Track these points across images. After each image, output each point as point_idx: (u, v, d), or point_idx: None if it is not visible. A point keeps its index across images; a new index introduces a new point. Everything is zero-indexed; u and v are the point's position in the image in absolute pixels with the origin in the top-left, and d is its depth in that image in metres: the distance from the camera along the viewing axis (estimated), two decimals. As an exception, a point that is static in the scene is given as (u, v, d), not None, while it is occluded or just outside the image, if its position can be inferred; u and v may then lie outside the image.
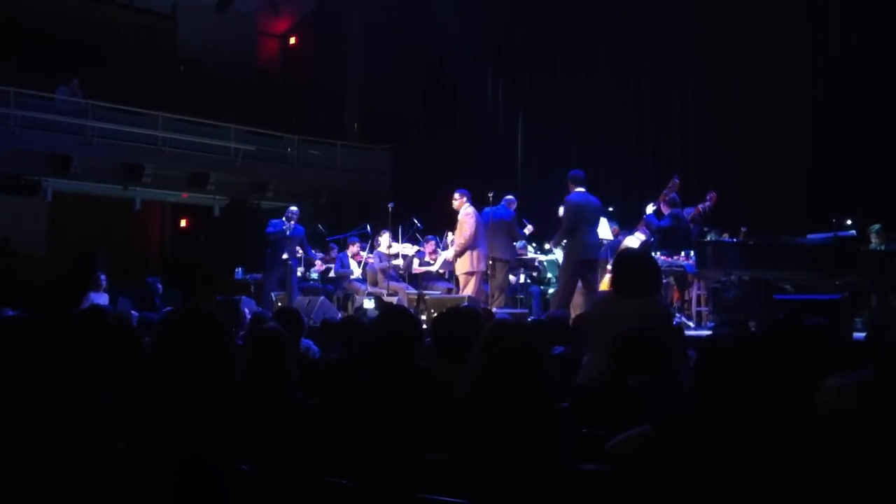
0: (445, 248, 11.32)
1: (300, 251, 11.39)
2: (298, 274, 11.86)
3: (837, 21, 11.49)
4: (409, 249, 11.57)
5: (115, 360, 3.48)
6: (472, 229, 9.39)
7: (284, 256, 10.97)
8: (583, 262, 8.68)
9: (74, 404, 2.24)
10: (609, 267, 8.74)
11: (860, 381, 2.47)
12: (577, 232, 8.59)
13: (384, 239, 11.30)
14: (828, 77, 11.55)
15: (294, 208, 11.29)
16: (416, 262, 11.58)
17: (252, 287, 12.16)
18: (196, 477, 2.18)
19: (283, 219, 11.11)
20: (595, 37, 14.43)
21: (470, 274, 9.51)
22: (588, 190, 8.82)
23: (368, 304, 10.88)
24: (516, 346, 2.43)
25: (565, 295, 8.71)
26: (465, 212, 9.55)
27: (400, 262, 11.35)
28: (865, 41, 11.16)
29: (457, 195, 9.70)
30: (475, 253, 9.42)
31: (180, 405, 2.33)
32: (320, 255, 12.27)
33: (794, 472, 1.97)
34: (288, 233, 11.00)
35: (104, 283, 11.46)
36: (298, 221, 11.23)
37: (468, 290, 9.47)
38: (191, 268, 15.01)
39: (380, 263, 11.18)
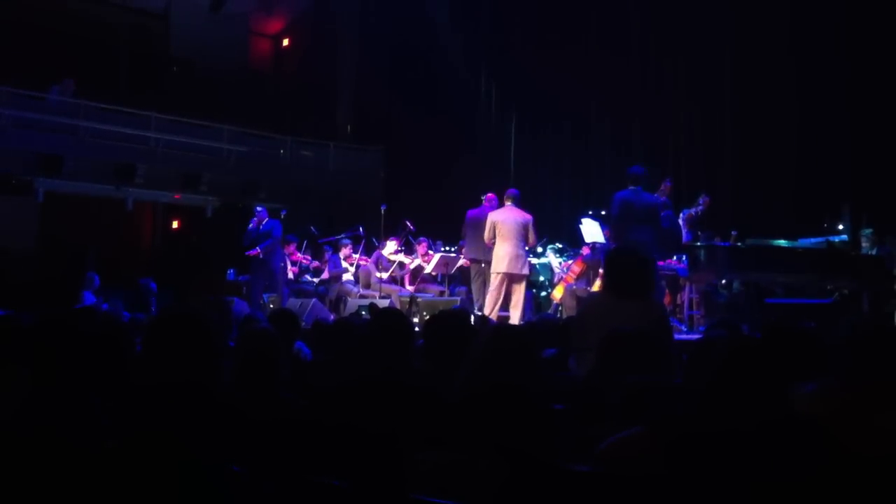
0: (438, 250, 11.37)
1: (288, 249, 11.43)
2: (290, 276, 11.87)
3: (827, 27, 11.52)
4: (408, 260, 11.61)
5: (104, 359, 3.46)
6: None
7: (259, 256, 10.98)
8: None
9: (60, 402, 2.23)
10: (601, 270, 8.75)
11: (828, 387, 2.49)
12: (626, 230, 8.15)
13: (391, 244, 11.29)
14: (819, 81, 11.58)
15: (259, 208, 11.28)
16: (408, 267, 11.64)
17: (244, 289, 12.14)
18: (186, 477, 2.17)
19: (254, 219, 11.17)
20: (588, 41, 14.46)
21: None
22: (645, 187, 8.39)
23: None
24: (513, 348, 2.43)
25: None
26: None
27: (397, 268, 11.38)
28: (855, 46, 11.20)
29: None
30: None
31: (170, 405, 2.31)
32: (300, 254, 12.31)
33: (795, 474, 1.97)
34: (256, 233, 11.03)
35: (97, 283, 11.41)
36: (278, 219, 11.25)
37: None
38: (182, 268, 14.95)
39: (377, 263, 11.22)
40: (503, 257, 8.86)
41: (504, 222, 8.95)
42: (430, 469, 2.21)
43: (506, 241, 8.88)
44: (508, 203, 9.13)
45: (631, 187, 8.27)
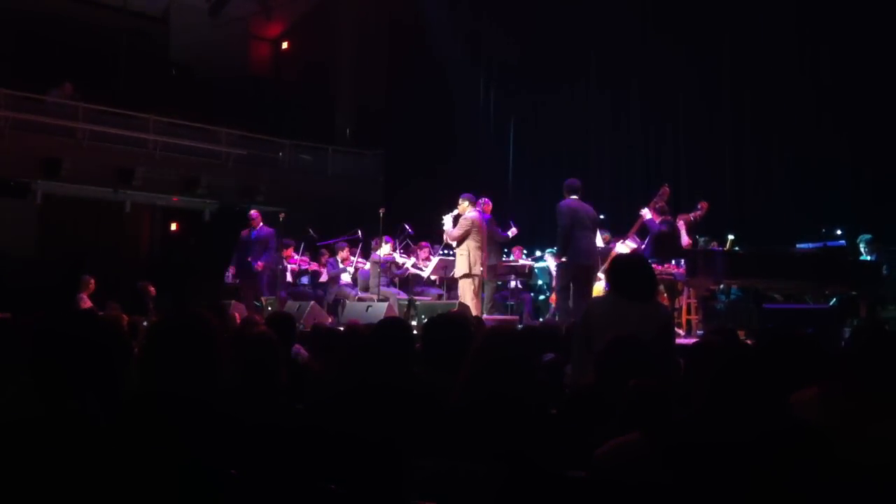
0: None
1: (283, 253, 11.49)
2: (288, 279, 11.86)
3: (828, 33, 11.54)
4: (405, 260, 11.58)
5: (103, 363, 3.45)
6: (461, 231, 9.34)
7: (249, 259, 11.09)
8: (576, 267, 8.68)
9: (57, 407, 2.23)
10: (601, 274, 8.75)
11: (828, 394, 2.49)
12: (572, 237, 8.61)
13: (385, 247, 11.27)
14: (817, 88, 11.60)
15: (253, 212, 11.37)
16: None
17: (241, 292, 12.12)
18: (184, 482, 2.16)
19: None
20: (586, 47, 14.47)
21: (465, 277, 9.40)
22: (581, 198, 8.88)
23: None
24: (508, 354, 2.43)
25: (564, 298, 8.98)
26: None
27: (393, 268, 11.34)
28: (855, 53, 11.22)
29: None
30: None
31: (168, 410, 2.31)
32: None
33: (793, 482, 1.97)
34: (252, 235, 11.12)
35: (92, 286, 11.41)
36: (268, 224, 11.34)
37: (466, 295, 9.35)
38: (180, 272, 14.93)
39: (375, 261, 11.23)
40: (475, 262, 9.26)
41: (481, 227, 9.38)
42: (428, 475, 2.21)
43: (484, 248, 9.37)
44: (477, 208, 9.53)
45: (573, 197, 8.79)
